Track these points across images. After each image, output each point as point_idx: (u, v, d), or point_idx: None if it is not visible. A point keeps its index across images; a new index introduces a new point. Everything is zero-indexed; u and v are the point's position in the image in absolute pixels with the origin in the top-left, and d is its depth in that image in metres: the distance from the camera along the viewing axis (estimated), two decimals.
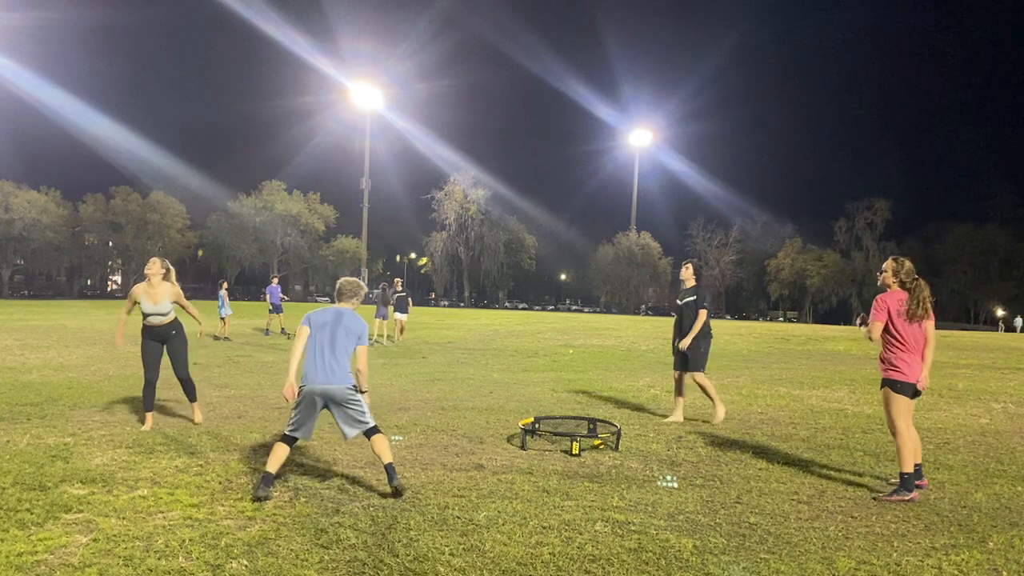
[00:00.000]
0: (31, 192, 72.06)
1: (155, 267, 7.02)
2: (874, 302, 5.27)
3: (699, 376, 7.75)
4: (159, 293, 6.93)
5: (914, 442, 5.17)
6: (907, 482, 5.00)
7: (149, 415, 7.01)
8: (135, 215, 77.97)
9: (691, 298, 7.75)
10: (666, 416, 8.04)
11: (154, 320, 6.93)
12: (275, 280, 21.93)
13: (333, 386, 4.83)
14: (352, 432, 4.91)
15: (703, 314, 7.65)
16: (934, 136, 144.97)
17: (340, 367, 4.88)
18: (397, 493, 4.77)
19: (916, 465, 5.17)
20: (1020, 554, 4.05)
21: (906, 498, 4.94)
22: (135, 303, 6.97)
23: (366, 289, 5.52)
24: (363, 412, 4.93)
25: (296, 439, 4.94)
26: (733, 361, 15.95)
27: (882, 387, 5.25)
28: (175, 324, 7.06)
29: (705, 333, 7.71)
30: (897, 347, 5.16)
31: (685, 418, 7.92)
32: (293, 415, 4.93)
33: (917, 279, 5.24)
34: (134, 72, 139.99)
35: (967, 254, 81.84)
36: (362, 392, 5.00)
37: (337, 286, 5.35)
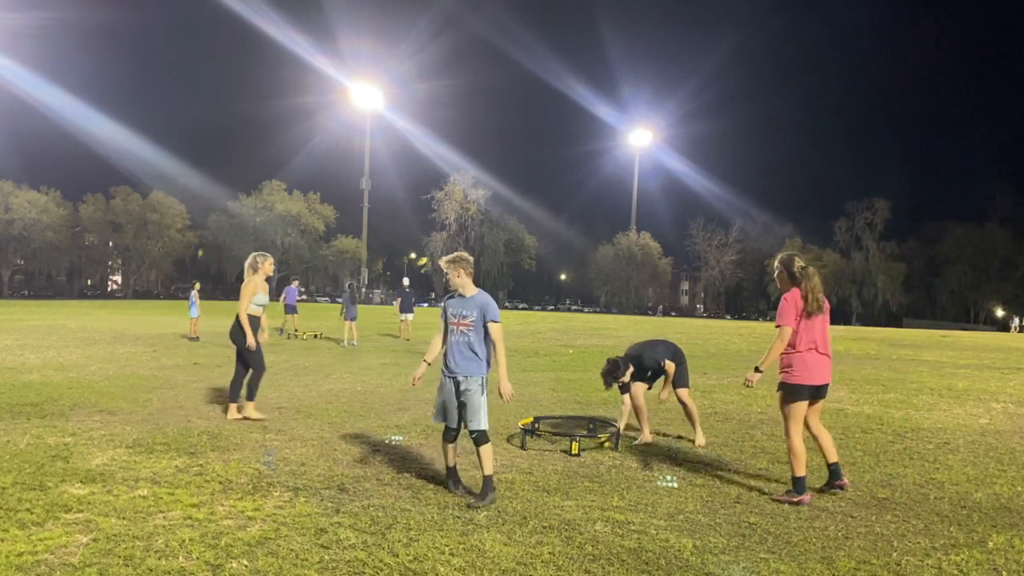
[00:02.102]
0: (31, 192, 72.01)
1: (271, 265, 7.89)
2: (780, 303, 5.00)
3: (684, 393, 6.86)
4: (266, 286, 7.83)
5: (823, 442, 5.06)
6: (798, 484, 4.88)
7: (236, 406, 7.56)
8: (135, 215, 77.92)
9: (647, 374, 6.91)
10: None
11: (262, 311, 7.75)
12: (294, 282, 22.02)
13: None
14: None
15: (670, 365, 6.85)
16: (934, 136, 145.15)
17: None
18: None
19: (832, 464, 5.08)
20: (1020, 554, 4.06)
21: (795, 499, 4.83)
22: (253, 295, 7.62)
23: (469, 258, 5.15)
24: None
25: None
26: (733, 361, 15.95)
27: (777, 390, 5.04)
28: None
29: (673, 352, 6.98)
30: (790, 347, 4.92)
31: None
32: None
33: (805, 268, 5.00)
34: (134, 72, 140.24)
35: (967, 254, 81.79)
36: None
37: None
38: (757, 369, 4.97)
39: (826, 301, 5.06)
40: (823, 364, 4.96)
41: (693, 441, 6.82)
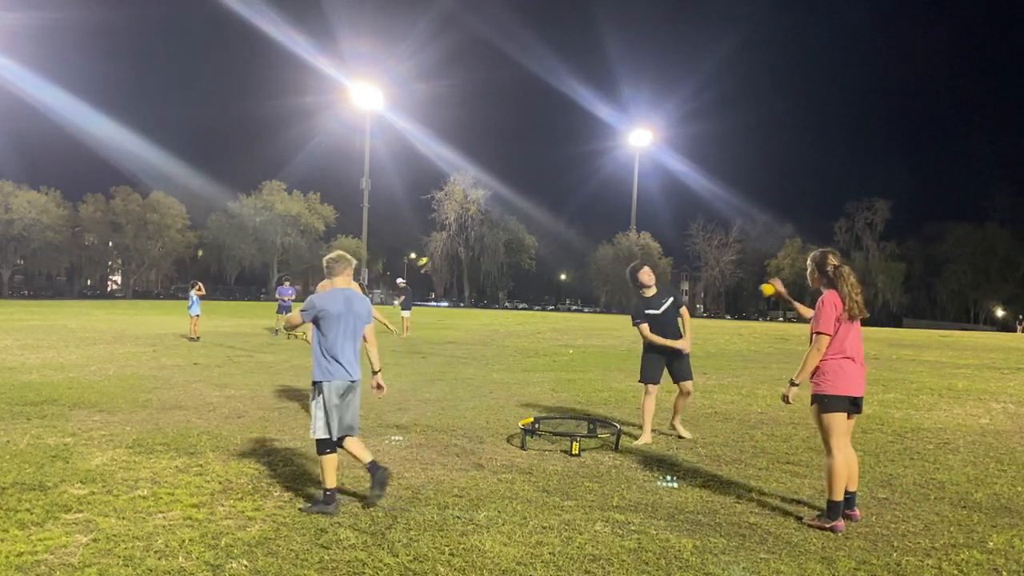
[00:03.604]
0: (31, 192, 71.90)
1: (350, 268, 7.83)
2: (818, 306, 4.51)
3: (689, 385, 7.00)
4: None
5: (849, 467, 4.50)
6: (833, 510, 4.40)
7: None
8: (135, 215, 77.85)
9: (669, 300, 6.91)
10: (638, 437, 6.87)
11: None
12: (287, 282, 22.87)
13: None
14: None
15: (686, 312, 6.96)
16: (934, 136, 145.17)
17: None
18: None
19: (849, 493, 4.54)
20: (1020, 554, 4.06)
21: (827, 525, 4.35)
22: None
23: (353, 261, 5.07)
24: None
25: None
26: (733, 361, 15.94)
27: (812, 403, 4.54)
28: None
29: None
30: (829, 353, 4.49)
31: (686, 418, 7.55)
32: (332, 415, 4.59)
33: (840, 267, 4.55)
34: (134, 72, 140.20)
35: (967, 254, 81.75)
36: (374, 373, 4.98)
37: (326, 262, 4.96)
38: (793, 383, 4.51)
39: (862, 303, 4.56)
40: (859, 373, 4.51)
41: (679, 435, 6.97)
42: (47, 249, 74.32)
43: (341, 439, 4.66)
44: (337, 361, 4.62)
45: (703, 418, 8.18)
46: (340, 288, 4.79)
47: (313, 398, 4.63)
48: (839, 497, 4.41)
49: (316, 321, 4.65)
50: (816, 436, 7.16)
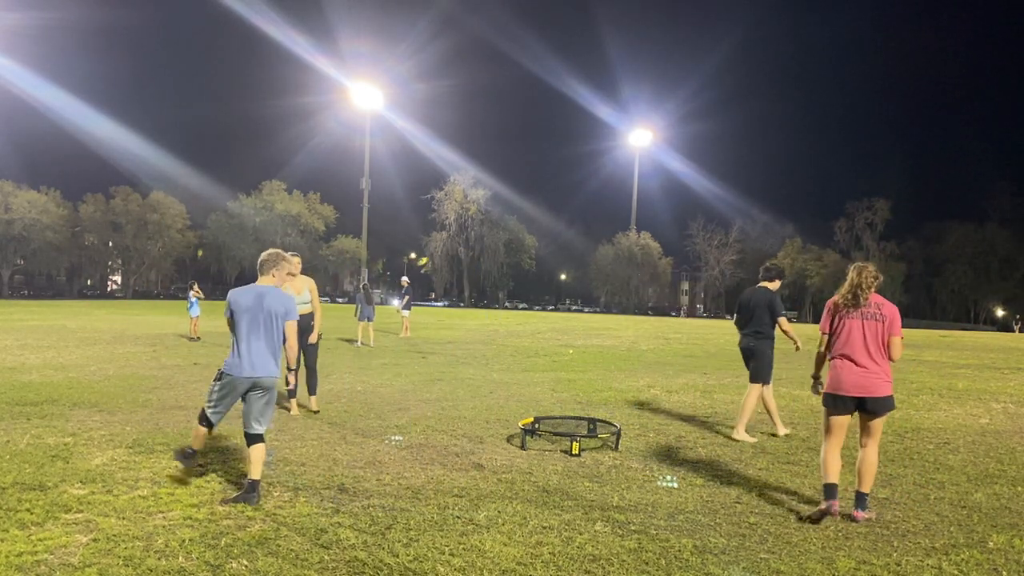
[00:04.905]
0: (31, 192, 71.92)
1: (297, 264, 7.86)
2: None
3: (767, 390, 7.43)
4: (299, 285, 7.81)
5: (862, 466, 4.71)
6: (825, 490, 4.61)
7: (293, 401, 7.95)
8: (135, 215, 77.89)
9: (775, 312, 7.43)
10: (775, 433, 7.27)
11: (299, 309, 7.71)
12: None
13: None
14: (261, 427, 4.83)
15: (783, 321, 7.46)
16: (934, 136, 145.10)
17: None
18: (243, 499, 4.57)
19: (860, 493, 4.68)
20: (1020, 554, 4.06)
21: (822, 507, 4.54)
22: None
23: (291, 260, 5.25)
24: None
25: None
26: (733, 361, 15.93)
27: None
28: (312, 316, 7.91)
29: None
30: (828, 352, 4.82)
31: (686, 417, 7.68)
32: (222, 404, 4.84)
33: (856, 266, 4.81)
34: (134, 72, 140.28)
35: (967, 254, 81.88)
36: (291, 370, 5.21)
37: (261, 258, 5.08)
38: (813, 376, 4.97)
39: (885, 307, 4.66)
40: (856, 373, 4.62)
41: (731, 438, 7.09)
42: (47, 249, 74.32)
43: (260, 437, 4.76)
44: (239, 355, 4.71)
45: (703, 419, 8.18)
46: (256, 284, 4.92)
47: (215, 379, 4.86)
48: (829, 481, 4.62)
49: (231, 315, 4.80)
50: (815, 436, 7.19)
